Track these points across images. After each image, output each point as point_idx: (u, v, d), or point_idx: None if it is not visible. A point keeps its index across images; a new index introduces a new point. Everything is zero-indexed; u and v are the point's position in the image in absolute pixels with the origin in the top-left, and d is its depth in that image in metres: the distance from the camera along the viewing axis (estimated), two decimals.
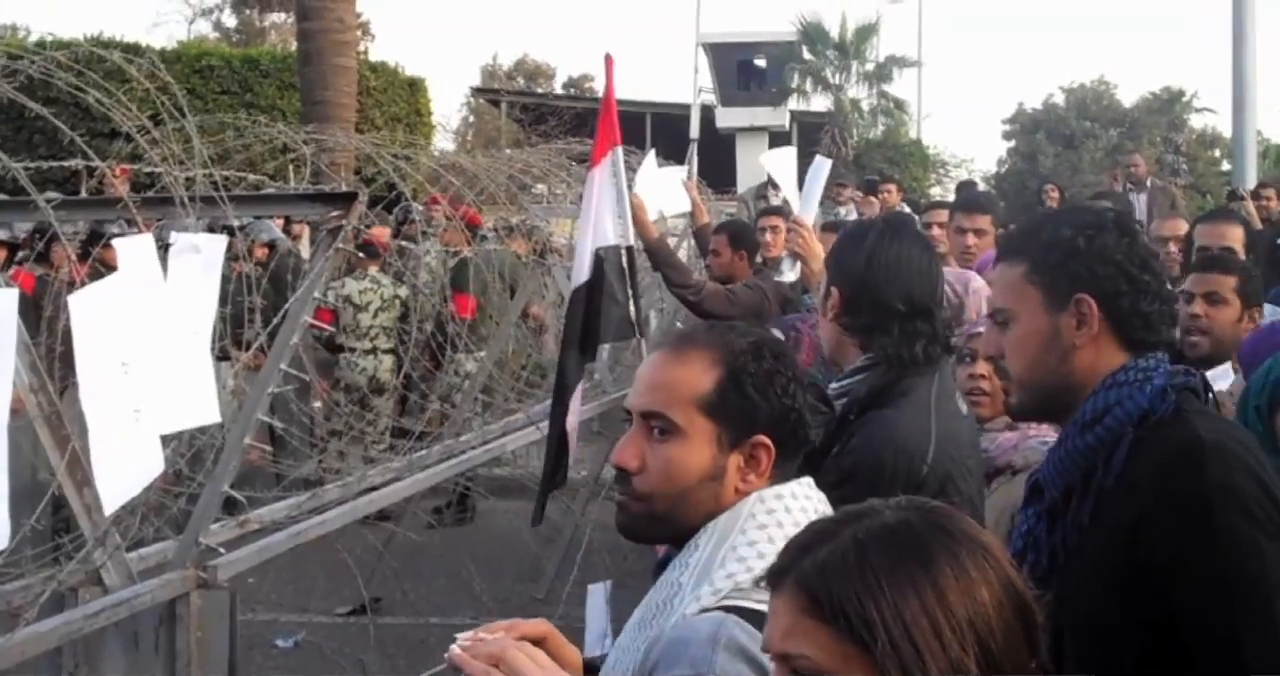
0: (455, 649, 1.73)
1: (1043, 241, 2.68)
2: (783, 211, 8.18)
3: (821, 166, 5.73)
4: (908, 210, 13.52)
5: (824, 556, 1.70)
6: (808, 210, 5.50)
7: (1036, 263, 2.67)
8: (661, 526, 2.41)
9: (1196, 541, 2.38)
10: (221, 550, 4.74)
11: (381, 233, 12.23)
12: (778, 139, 31.40)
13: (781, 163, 7.96)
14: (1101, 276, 2.61)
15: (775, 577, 1.77)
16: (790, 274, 5.58)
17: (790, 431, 2.42)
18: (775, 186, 14.28)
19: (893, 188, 16.20)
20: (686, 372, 2.40)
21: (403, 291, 11.37)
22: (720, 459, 2.37)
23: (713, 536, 2.32)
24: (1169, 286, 2.75)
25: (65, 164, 4.19)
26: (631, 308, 5.26)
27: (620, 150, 5.59)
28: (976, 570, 1.68)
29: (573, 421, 5.45)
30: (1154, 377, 2.59)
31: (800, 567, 1.72)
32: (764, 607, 1.93)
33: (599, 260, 5.41)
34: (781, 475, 2.41)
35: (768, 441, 2.39)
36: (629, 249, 5.35)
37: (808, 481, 2.43)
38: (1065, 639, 2.46)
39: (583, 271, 5.44)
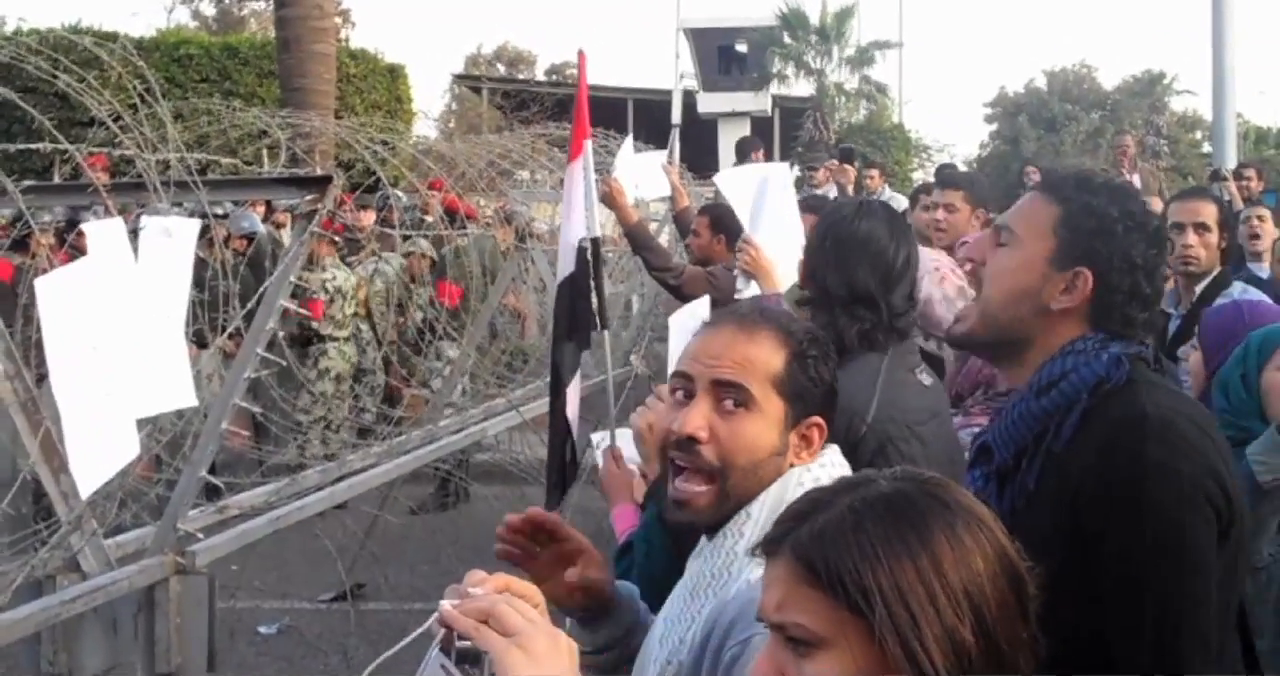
0: (444, 605, 1.68)
1: (1087, 204, 2.65)
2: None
3: (773, 177, 5.74)
4: (899, 198, 13.37)
5: (820, 524, 1.71)
6: (758, 227, 5.46)
7: (1069, 218, 2.64)
8: (729, 503, 2.39)
9: (1123, 515, 2.41)
10: (200, 536, 4.73)
11: (367, 217, 12.23)
12: (760, 124, 31.47)
13: (733, 182, 7.99)
14: (1113, 266, 2.61)
15: (770, 546, 1.77)
16: (747, 291, 5.56)
17: (830, 412, 2.51)
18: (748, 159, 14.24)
19: (875, 173, 16.14)
20: (759, 350, 2.43)
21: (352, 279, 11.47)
22: (785, 436, 2.42)
23: (764, 505, 2.36)
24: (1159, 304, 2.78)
25: (33, 147, 4.16)
26: (594, 299, 5.26)
27: (589, 143, 5.59)
28: (971, 540, 1.69)
29: (572, 412, 5.40)
30: (1110, 346, 2.59)
31: (796, 536, 1.72)
32: None
33: (581, 252, 5.40)
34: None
35: (821, 422, 2.46)
36: (594, 240, 5.36)
37: (835, 448, 2.50)
38: None
39: (568, 264, 5.43)
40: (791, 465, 2.42)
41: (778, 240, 5.43)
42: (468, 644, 1.66)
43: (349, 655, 7.69)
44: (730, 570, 2.32)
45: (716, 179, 8.97)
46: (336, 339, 11.40)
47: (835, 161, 14.94)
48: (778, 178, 5.72)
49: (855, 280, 3.48)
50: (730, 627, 2.15)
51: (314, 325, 11.12)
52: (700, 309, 4.59)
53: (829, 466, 2.45)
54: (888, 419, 3.30)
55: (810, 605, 1.68)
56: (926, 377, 3.59)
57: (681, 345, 3.57)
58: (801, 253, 3.84)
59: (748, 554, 2.24)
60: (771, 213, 5.56)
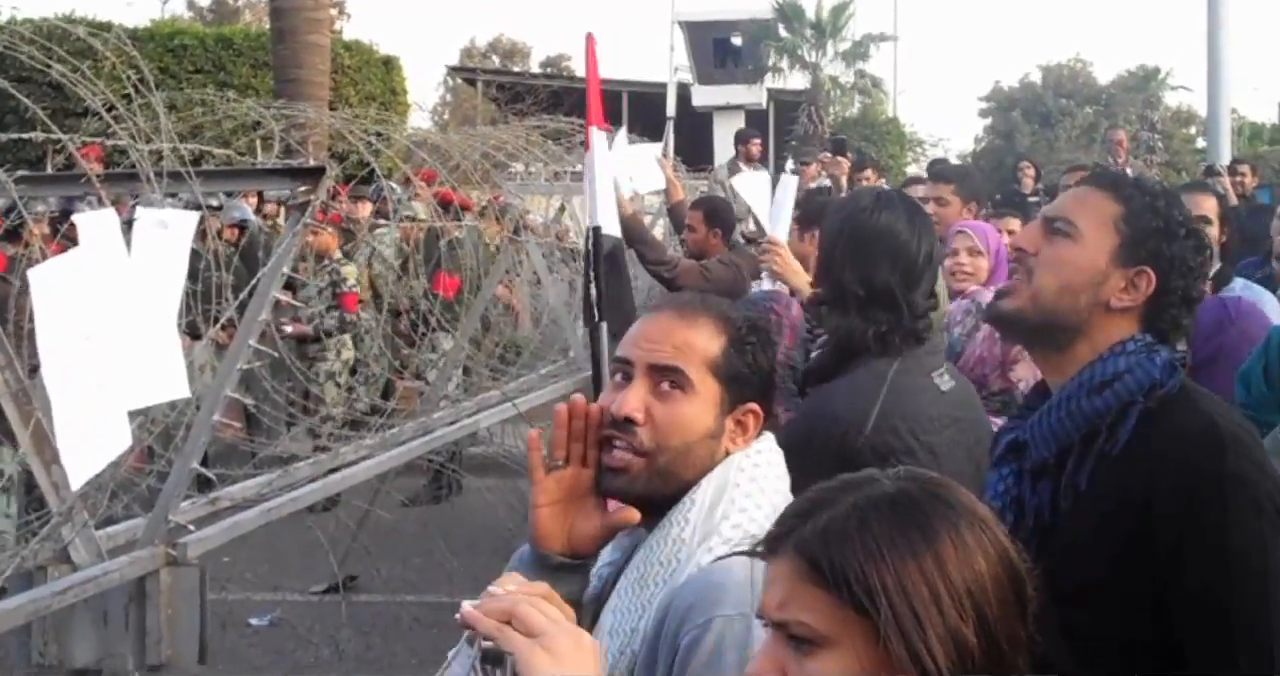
0: (466, 606, 1.71)
1: (1151, 204, 2.66)
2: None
3: (788, 183, 5.74)
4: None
5: (824, 522, 1.72)
6: (779, 228, 5.47)
7: (1133, 216, 2.64)
8: (661, 481, 2.40)
9: (1207, 527, 2.39)
10: (191, 527, 4.72)
11: (364, 208, 12.22)
12: (755, 117, 31.41)
13: (753, 186, 7.98)
14: (1173, 268, 2.63)
15: (772, 543, 1.78)
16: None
17: (769, 400, 2.52)
18: (747, 162, 14.25)
19: (870, 173, 16.12)
20: (696, 335, 2.45)
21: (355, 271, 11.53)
22: (720, 420, 2.44)
23: (707, 493, 2.37)
24: None
25: (26, 136, 4.15)
26: (593, 291, 5.17)
27: (595, 131, 5.49)
28: (974, 541, 1.71)
29: None
30: (1159, 349, 2.60)
31: (800, 534, 1.73)
32: None
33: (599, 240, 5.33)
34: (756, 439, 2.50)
35: (757, 409, 2.48)
36: (595, 229, 5.27)
37: (769, 436, 2.52)
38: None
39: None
40: (728, 451, 2.44)
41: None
42: (491, 644, 1.68)
43: (340, 647, 7.69)
44: (679, 557, 2.33)
45: (734, 182, 8.98)
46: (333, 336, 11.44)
47: (828, 154, 14.88)
48: (791, 187, 5.74)
49: (874, 278, 3.33)
50: (687, 612, 2.18)
51: (349, 318, 11.19)
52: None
53: (766, 452, 2.48)
54: (889, 430, 3.17)
55: (814, 603, 1.68)
56: (948, 381, 3.40)
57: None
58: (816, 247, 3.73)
59: (698, 541, 2.32)
60: (785, 219, 5.59)
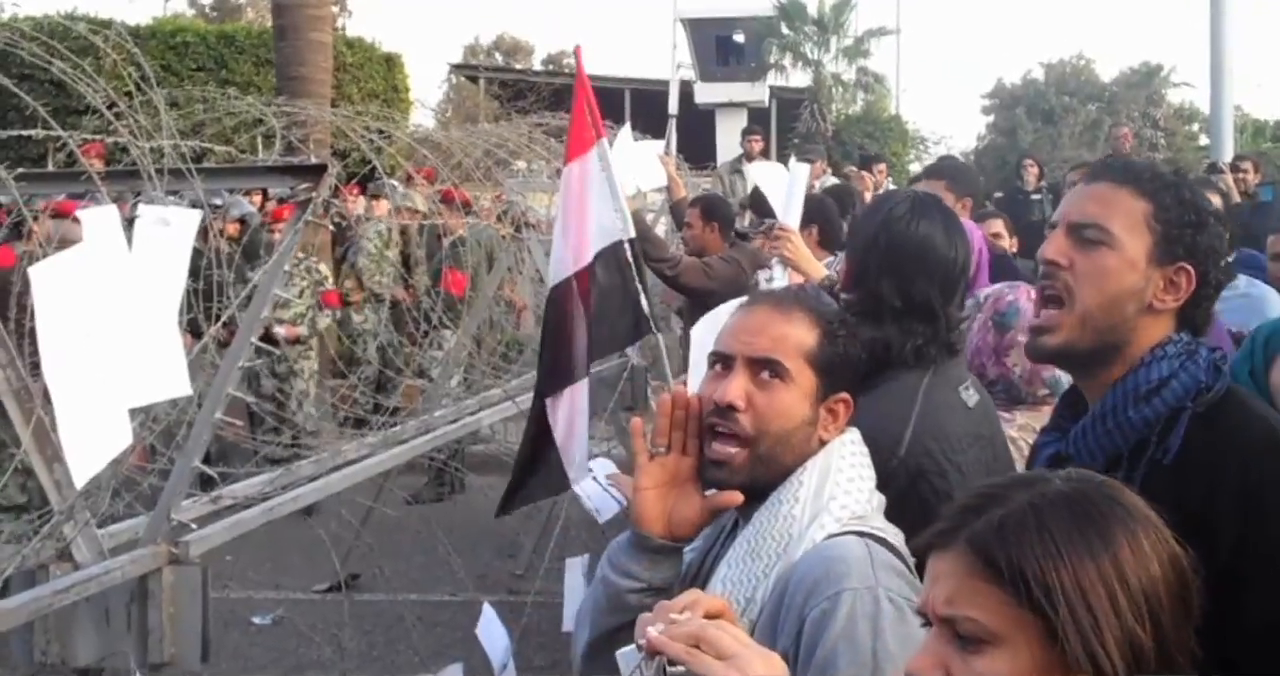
0: (651, 632, 1.71)
1: (1179, 197, 2.53)
2: None
3: (799, 171, 5.70)
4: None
5: (999, 519, 1.71)
6: (791, 216, 5.45)
7: (1163, 211, 2.51)
8: (764, 467, 2.57)
9: (1272, 533, 2.30)
10: (193, 526, 4.71)
11: (381, 207, 12.22)
12: (757, 114, 31.41)
13: (769, 174, 7.95)
14: (1210, 260, 2.53)
15: (942, 538, 1.76)
16: (780, 280, 5.54)
17: (855, 390, 2.68)
18: (750, 159, 14.24)
19: (883, 166, 16.14)
20: (793, 328, 2.62)
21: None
22: (816, 408, 2.61)
23: (813, 475, 2.54)
24: None
25: (27, 133, 4.14)
26: (644, 302, 5.04)
27: (605, 143, 5.36)
28: (1149, 544, 1.71)
29: (563, 428, 4.98)
30: (1199, 350, 2.50)
31: (973, 528, 1.72)
32: (885, 534, 2.44)
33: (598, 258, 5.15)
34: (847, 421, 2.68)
35: (848, 398, 2.65)
36: (631, 241, 5.14)
37: (855, 429, 2.69)
38: None
39: (565, 268, 5.01)
40: (821, 439, 2.61)
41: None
42: (679, 670, 1.68)
43: (343, 646, 7.69)
44: (791, 532, 2.47)
45: (750, 169, 8.94)
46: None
47: (854, 167, 14.83)
48: (799, 176, 5.69)
49: (913, 289, 3.26)
50: (814, 586, 2.31)
51: (337, 315, 11.17)
52: (717, 317, 4.39)
53: (858, 442, 2.66)
54: (923, 452, 3.11)
55: (985, 600, 1.68)
56: (972, 395, 3.33)
57: (702, 357, 3.52)
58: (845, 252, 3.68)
59: (809, 519, 2.47)
60: (797, 207, 5.54)
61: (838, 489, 2.52)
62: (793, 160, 5.96)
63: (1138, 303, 2.50)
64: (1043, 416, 3.76)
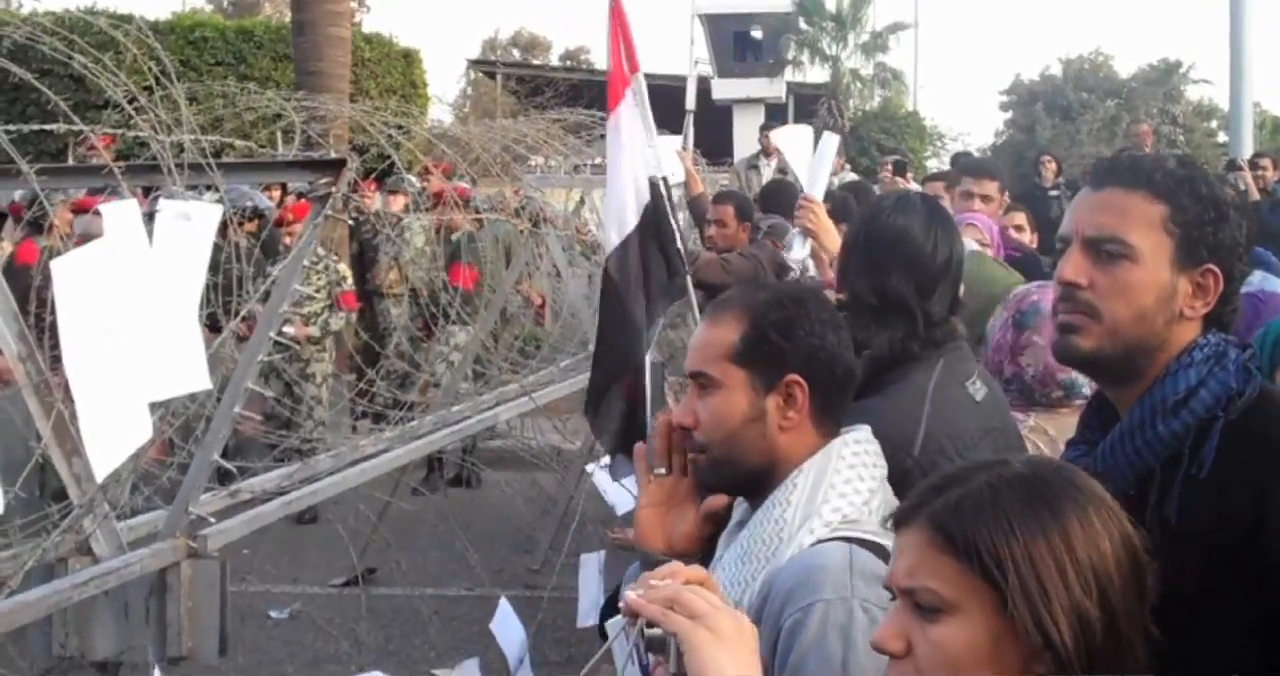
0: (630, 595, 1.82)
1: (1194, 193, 2.37)
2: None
3: (829, 142, 5.67)
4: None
5: (957, 497, 1.81)
6: (816, 187, 5.44)
7: (1181, 212, 2.35)
8: (724, 469, 2.62)
9: None
10: (212, 520, 4.73)
11: (397, 202, 12.21)
12: (774, 110, 31.43)
13: (793, 139, 7.92)
14: (1232, 255, 2.37)
15: (906, 515, 1.87)
16: (799, 251, 5.53)
17: (822, 369, 2.59)
18: (767, 155, 14.23)
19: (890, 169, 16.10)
20: (718, 332, 2.62)
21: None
22: (758, 401, 2.57)
23: (809, 476, 2.51)
24: None
25: (48, 128, 4.15)
26: (680, 240, 4.96)
27: (641, 77, 5.21)
28: (1100, 522, 1.79)
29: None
30: (1228, 351, 2.36)
31: (933, 506, 1.82)
32: (877, 538, 2.36)
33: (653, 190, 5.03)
34: (829, 409, 2.61)
35: (799, 379, 2.56)
36: (664, 178, 5.03)
37: (865, 429, 2.63)
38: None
39: (627, 220, 4.95)
40: (781, 426, 2.57)
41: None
42: (656, 632, 1.78)
43: (360, 639, 7.70)
44: (780, 536, 2.45)
45: (774, 135, 8.87)
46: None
47: (888, 172, 14.76)
48: (831, 146, 5.66)
49: (887, 286, 3.20)
50: (789, 595, 2.30)
51: (351, 317, 11.13)
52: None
53: (865, 441, 2.60)
54: (937, 450, 3.02)
55: (943, 571, 1.78)
56: (980, 389, 3.25)
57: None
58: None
59: (800, 522, 2.44)
60: (823, 178, 5.52)
61: (832, 492, 2.48)
62: (826, 133, 5.91)
63: (1167, 313, 2.36)
64: (1059, 420, 3.74)
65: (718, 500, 2.67)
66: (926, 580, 1.78)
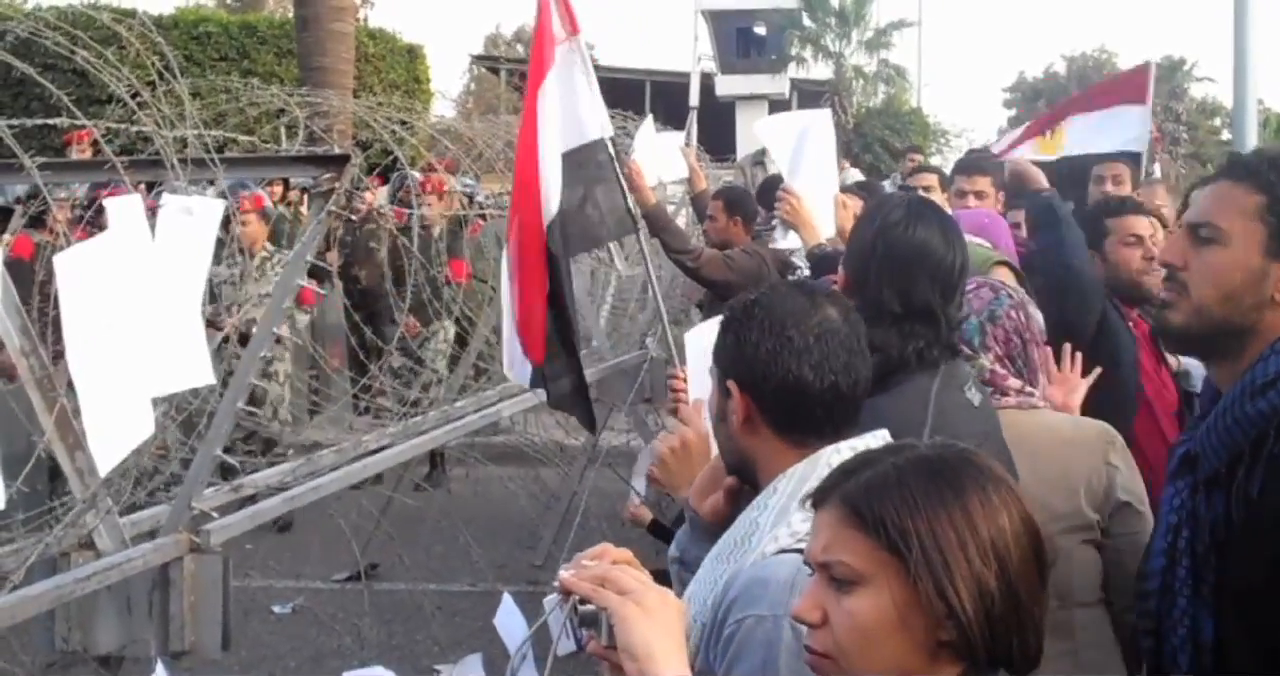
0: (563, 574, 1.94)
1: None
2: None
3: (817, 119, 5.64)
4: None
5: (867, 478, 1.95)
6: (797, 177, 5.42)
7: (1276, 203, 2.47)
8: (722, 456, 2.77)
9: None
10: (215, 515, 4.72)
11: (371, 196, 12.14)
12: (777, 107, 31.35)
13: (775, 129, 7.88)
14: None
15: (821, 495, 2.01)
16: (783, 241, 5.52)
17: (752, 373, 2.57)
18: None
19: (919, 156, 16.14)
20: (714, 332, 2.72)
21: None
22: (722, 402, 2.66)
23: (791, 481, 2.51)
24: None
25: (51, 122, 4.16)
26: (629, 200, 4.92)
27: (580, 40, 5.10)
28: (999, 501, 1.92)
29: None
30: None
31: (844, 487, 1.96)
32: None
33: (577, 165, 4.97)
34: (790, 418, 2.58)
35: (733, 385, 2.60)
36: (612, 140, 4.98)
37: (882, 434, 2.59)
38: (1229, 619, 2.35)
39: (553, 198, 4.87)
40: (739, 429, 2.61)
41: (815, 189, 5.35)
42: (589, 608, 1.91)
43: (363, 634, 7.71)
44: (751, 540, 2.48)
45: (756, 127, 8.84)
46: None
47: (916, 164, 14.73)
48: (818, 126, 5.62)
49: (913, 293, 3.24)
50: (733, 604, 2.34)
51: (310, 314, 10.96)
52: (709, 327, 4.34)
53: (859, 450, 2.51)
54: None
55: (854, 546, 1.91)
56: (975, 394, 3.33)
57: (697, 361, 3.62)
58: (843, 259, 3.63)
59: (770, 527, 2.46)
60: (810, 161, 5.48)
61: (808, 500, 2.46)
62: (810, 112, 5.88)
63: (1256, 296, 2.48)
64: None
65: (730, 481, 2.78)
66: (840, 554, 1.91)
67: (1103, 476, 3.78)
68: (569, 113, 4.90)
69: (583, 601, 1.92)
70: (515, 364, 5.12)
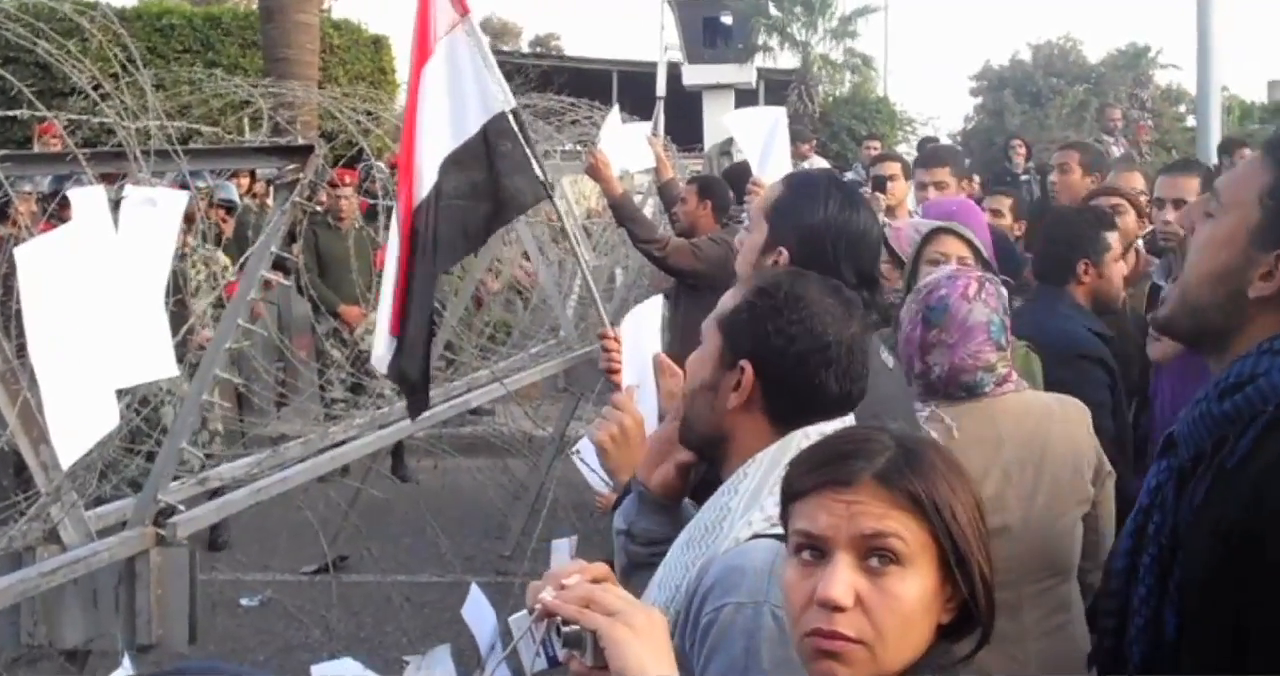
0: (545, 597, 1.90)
1: None
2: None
3: (772, 116, 5.67)
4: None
5: (894, 458, 1.94)
6: (765, 169, 5.45)
7: (1277, 186, 2.21)
8: (686, 426, 2.71)
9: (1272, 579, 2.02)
10: (181, 507, 4.71)
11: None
12: (744, 96, 31.36)
13: (744, 123, 7.90)
14: None
15: (846, 474, 1.95)
16: None
17: (777, 366, 2.56)
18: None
19: (877, 143, 16.23)
20: (727, 296, 2.71)
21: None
22: (718, 373, 2.61)
23: (761, 465, 2.50)
24: None
25: (12, 114, 4.13)
26: (537, 168, 4.91)
27: (472, 19, 5.04)
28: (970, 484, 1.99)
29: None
30: None
31: (875, 466, 1.93)
32: None
33: (484, 133, 4.90)
34: (788, 403, 2.57)
35: (748, 365, 2.56)
36: (514, 111, 4.96)
37: (844, 420, 2.60)
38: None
39: (430, 176, 4.68)
40: (729, 405, 2.57)
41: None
42: (572, 629, 1.88)
43: (331, 627, 7.69)
44: (723, 525, 2.46)
45: (726, 120, 8.82)
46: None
47: (867, 188, 14.78)
48: (782, 122, 5.67)
49: (862, 267, 3.45)
50: (709, 592, 2.31)
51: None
52: (650, 308, 4.37)
53: (816, 436, 2.51)
54: (870, 417, 2.96)
55: (907, 524, 1.90)
56: (889, 357, 3.55)
57: (635, 343, 3.69)
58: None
59: (742, 511, 2.45)
60: (777, 156, 5.52)
61: (779, 484, 2.33)
62: (768, 109, 5.92)
63: (1232, 285, 2.23)
64: (955, 408, 3.83)
65: (683, 454, 2.76)
66: (898, 529, 1.89)
67: (1092, 449, 3.89)
68: (457, 99, 4.82)
69: (565, 622, 1.89)
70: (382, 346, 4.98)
